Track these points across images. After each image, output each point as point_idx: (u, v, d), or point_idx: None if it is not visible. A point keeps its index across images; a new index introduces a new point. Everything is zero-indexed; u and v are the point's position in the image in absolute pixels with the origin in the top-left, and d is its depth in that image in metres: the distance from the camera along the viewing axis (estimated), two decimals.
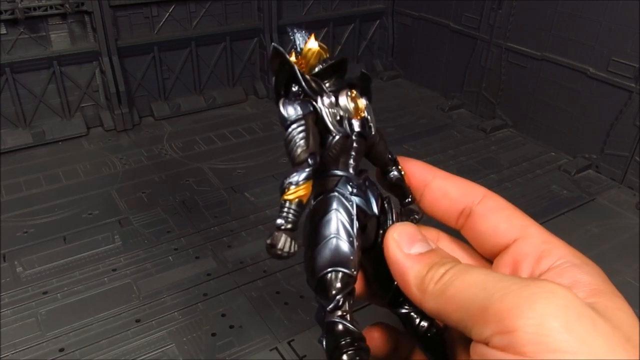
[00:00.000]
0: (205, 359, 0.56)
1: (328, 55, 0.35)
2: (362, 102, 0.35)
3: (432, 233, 0.41)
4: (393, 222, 0.36)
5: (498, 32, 1.09)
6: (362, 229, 0.37)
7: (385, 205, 0.36)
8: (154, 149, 1.02)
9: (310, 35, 0.36)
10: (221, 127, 1.11)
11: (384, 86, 1.33)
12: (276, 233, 0.29)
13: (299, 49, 0.34)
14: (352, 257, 0.32)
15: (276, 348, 0.57)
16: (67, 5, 0.96)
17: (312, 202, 0.36)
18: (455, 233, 0.40)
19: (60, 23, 0.99)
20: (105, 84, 1.05)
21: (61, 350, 0.57)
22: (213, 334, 0.59)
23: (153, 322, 0.61)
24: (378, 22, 1.37)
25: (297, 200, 0.30)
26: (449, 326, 0.38)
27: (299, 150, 0.31)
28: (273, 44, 0.31)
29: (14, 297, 0.64)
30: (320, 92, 0.33)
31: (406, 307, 0.37)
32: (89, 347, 0.58)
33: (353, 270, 0.32)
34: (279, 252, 0.29)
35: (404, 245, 0.32)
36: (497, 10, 1.08)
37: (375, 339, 0.39)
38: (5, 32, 0.94)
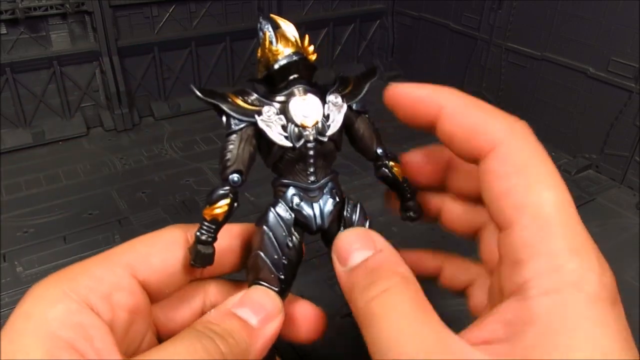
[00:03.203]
0: None
1: (294, 51, 0.32)
2: (317, 105, 0.32)
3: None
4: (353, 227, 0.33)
5: (498, 32, 1.09)
6: (323, 236, 0.35)
7: (346, 212, 0.34)
8: (154, 149, 1.02)
9: (276, 21, 0.32)
10: (221, 127, 1.10)
11: (384, 86, 1.33)
12: (193, 243, 0.30)
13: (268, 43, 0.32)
14: (272, 274, 0.31)
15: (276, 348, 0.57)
16: (67, 5, 0.96)
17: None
18: None
19: (60, 23, 0.99)
20: (105, 84, 1.05)
21: None
22: None
23: None
24: (378, 22, 1.37)
25: (211, 218, 0.31)
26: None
27: (222, 166, 0.31)
28: (193, 89, 0.31)
29: (14, 297, 0.64)
30: (258, 106, 0.31)
31: None
32: None
33: (274, 286, 0.31)
34: (191, 262, 0.30)
35: (340, 260, 0.30)
36: (497, 10, 1.08)
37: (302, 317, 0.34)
38: (5, 32, 0.94)
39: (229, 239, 0.33)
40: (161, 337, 0.32)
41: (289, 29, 0.33)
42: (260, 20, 0.33)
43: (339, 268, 0.30)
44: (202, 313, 0.33)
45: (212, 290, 0.35)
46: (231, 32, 1.17)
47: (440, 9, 1.22)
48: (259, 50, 0.33)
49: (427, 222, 0.34)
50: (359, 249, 0.29)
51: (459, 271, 0.35)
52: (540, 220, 0.23)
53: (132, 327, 0.28)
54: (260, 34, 0.33)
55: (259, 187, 0.88)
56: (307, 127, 0.31)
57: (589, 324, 0.21)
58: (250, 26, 1.19)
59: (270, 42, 0.32)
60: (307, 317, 0.33)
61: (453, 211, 0.35)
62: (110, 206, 0.83)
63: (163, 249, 0.31)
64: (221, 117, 0.32)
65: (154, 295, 0.30)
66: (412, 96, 0.33)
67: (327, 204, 0.33)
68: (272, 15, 0.33)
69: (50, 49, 1.00)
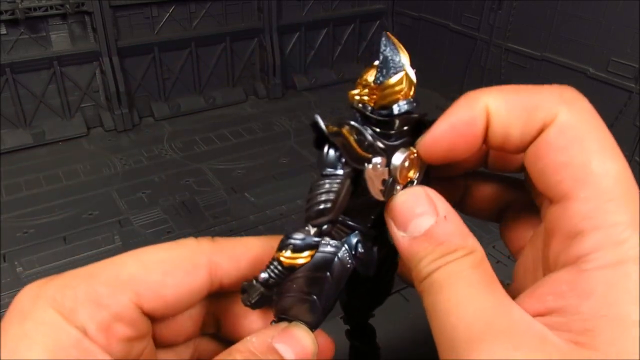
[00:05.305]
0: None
1: (412, 97, 0.29)
2: (415, 171, 0.29)
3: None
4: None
5: (498, 32, 1.09)
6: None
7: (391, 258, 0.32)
8: (154, 149, 1.02)
9: (403, 54, 0.28)
10: (221, 127, 1.11)
11: None
12: (255, 284, 0.28)
13: (379, 79, 0.27)
14: (317, 320, 0.30)
15: None
16: (68, 6, 0.96)
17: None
18: None
19: (60, 23, 0.99)
20: (105, 84, 1.05)
21: None
22: None
23: None
24: (378, 22, 1.37)
25: (289, 266, 0.28)
26: None
27: (319, 213, 0.27)
28: (316, 116, 0.26)
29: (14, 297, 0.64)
30: (369, 153, 0.28)
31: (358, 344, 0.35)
32: None
33: (311, 329, 0.30)
34: (247, 303, 0.29)
35: (398, 225, 0.27)
36: (497, 11, 1.08)
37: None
38: (5, 32, 0.95)
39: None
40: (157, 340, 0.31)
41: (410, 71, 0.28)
42: (386, 41, 0.27)
43: (396, 232, 0.27)
44: (203, 323, 0.32)
45: (219, 301, 0.32)
46: (231, 32, 1.17)
47: (440, 9, 1.22)
48: (375, 74, 0.27)
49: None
50: (420, 214, 0.26)
51: None
52: (602, 192, 0.23)
53: (129, 352, 0.27)
54: (394, 57, 0.27)
55: (258, 187, 0.88)
56: (402, 183, 0.29)
57: None
58: (250, 26, 1.19)
59: (410, 80, 0.28)
60: (320, 348, 0.31)
61: (480, 193, 0.32)
62: (110, 206, 0.83)
63: (179, 280, 0.28)
64: (322, 149, 0.27)
65: (157, 319, 0.29)
66: (451, 131, 0.28)
67: (379, 249, 0.31)
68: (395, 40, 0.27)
69: (50, 49, 1.00)
